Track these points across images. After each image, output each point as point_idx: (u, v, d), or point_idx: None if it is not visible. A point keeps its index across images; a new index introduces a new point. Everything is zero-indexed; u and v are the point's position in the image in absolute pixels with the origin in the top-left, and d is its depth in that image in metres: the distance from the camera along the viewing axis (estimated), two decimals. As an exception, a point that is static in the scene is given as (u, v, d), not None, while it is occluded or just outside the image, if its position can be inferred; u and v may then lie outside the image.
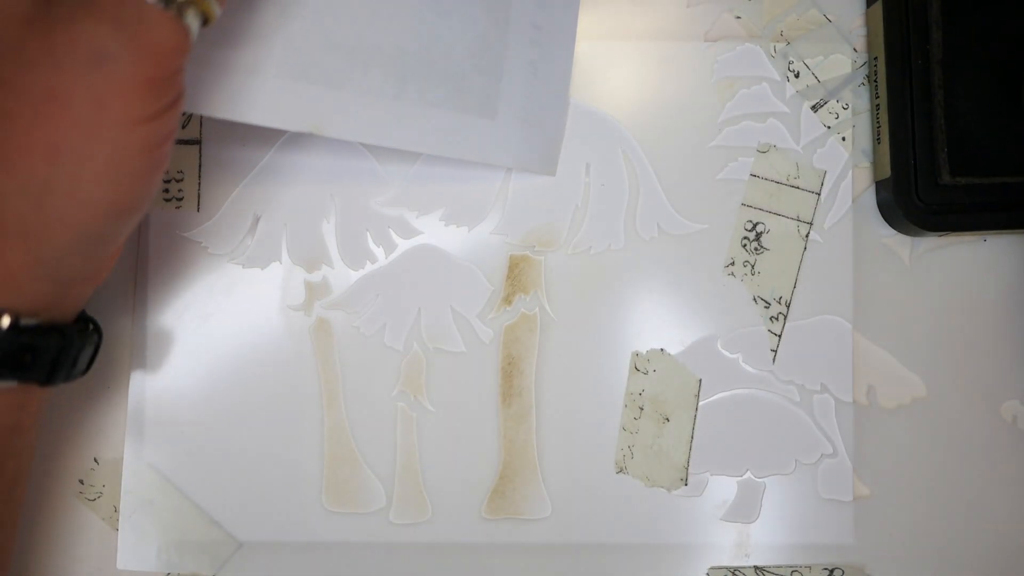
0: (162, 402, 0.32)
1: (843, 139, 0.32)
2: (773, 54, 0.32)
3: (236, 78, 0.27)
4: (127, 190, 0.23)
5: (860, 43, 0.33)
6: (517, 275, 0.32)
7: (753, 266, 0.32)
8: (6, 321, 0.23)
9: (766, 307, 0.32)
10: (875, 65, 0.32)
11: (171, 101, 0.23)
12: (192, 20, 0.22)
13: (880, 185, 0.32)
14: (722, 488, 0.32)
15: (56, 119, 0.21)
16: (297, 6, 0.28)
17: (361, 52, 0.29)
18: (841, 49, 0.32)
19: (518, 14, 0.31)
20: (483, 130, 0.30)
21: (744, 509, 0.32)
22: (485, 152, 0.31)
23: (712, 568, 0.32)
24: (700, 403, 0.32)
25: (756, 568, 0.32)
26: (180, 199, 0.32)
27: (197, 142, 0.32)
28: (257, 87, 0.27)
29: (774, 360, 0.32)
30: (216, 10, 0.24)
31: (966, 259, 0.32)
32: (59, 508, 0.32)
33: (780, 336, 0.32)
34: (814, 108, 0.32)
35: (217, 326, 0.32)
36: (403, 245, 0.32)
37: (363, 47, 0.29)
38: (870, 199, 0.32)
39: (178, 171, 0.32)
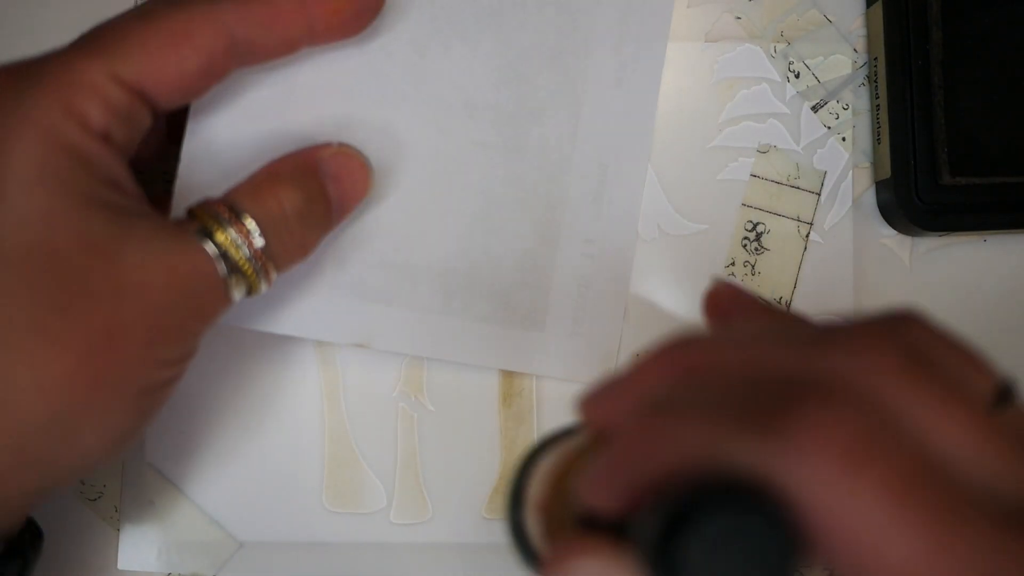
0: (163, 402, 0.32)
1: (843, 139, 0.32)
2: (773, 55, 0.32)
3: (286, 293, 0.29)
4: (134, 428, 0.23)
5: (860, 43, 0.33)
6: (517, 275, 0.32)
7: (754, 266, 0.32)
8: None
9: (766, 307, 0.32)
10: (875, 65, 0.32)
11: (194, 349, 0.25)
12: (238, 293, 0.24)
13: (880, 185, 0.32)
14: (722, 488, 0.32)
15: (106, 355, 0.21)
16: (348, 226, 0.29)
17: (409, 269, 0.30)
18: (841, 49, 0.32)
19: (569, 229, 0.31)
20: (531, 342, 0.31)
21: (744, 509, 0.32)
22: (532, 363, 0.31)
23: (712, 568, 0.31)
24: (700, 403, 0.32)
25: (756, 568, 0.32)
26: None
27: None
28: (308, 302, 0.29)
29: (774, 360, 0.32)
30: (263, 288, 0.25)
31: (967, 259, 0.32)
32: (59, 508, 0.32)
33: (780, 336, 0.32)
34: (814, 109, 0.32)
35: (217, 325, 0.32)
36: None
37: (411, 264, 0.30)
38: (870, 199, 0.32)
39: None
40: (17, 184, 0.21)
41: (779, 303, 0.32)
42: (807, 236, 0.32)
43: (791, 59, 0.32)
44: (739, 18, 0.32)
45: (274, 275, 0.25)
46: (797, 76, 0.32)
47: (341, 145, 0.27)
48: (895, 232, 0.32)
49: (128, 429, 0.23)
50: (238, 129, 0.28)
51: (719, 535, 0.12)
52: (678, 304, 0.32)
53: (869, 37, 0.32)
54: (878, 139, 0.32)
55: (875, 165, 0.32)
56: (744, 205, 0.32)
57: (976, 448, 0.14)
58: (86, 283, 0.21)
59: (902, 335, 0.15)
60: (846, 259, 0.32)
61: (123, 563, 0.31)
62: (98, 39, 0.22)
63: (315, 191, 0.26)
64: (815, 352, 0.15)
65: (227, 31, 0.23)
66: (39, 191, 0.21)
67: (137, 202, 0.23)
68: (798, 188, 0.32)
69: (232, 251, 0.23)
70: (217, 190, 0.25)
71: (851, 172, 0.32)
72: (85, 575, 0.32)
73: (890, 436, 0.13)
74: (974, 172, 0.31)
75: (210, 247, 0.23)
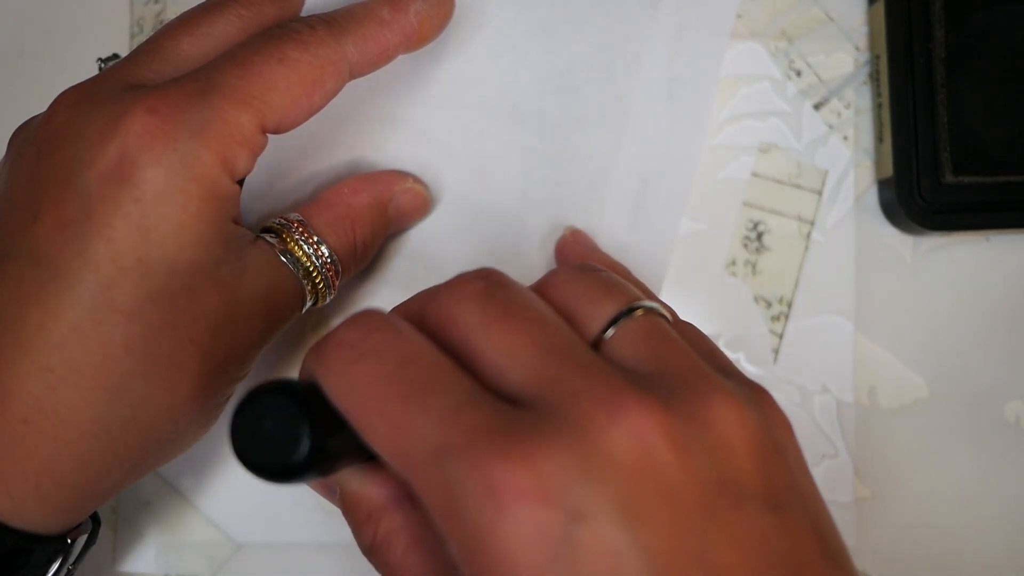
0: (160, 402, 0.31)
1: (845, 138, 0.32)
2: (774, 53, 0.32)
3: None
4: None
5: (862, 41, 0.32)
6: (517, 275, 0.32)
7: (755, 266, 0.32)
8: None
9: (767, 307, 0.32)
10: (877, 64, 0.32)
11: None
12: (307, 306, 0.27)
13: (882, 184, 0.32)
14: (723, 489, 0.31)
15: (218, 378, 0.24)
16: None
17: (436, 261, 0.31)
18: (843, 47, 0.32)
19: (604, 237, 0.31)
20: None
21: (745, 510, 0.31)
22: None
23: (713, 570, 0.31)
24: (701, 404, 0.31)
25: (757, 570, 0.31)
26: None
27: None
28: None
29: (775, 360, 0.32)
30: (328, 301, 0.28)
31: (969, 258, 0.32)
32: (56, 509, 0.32)
33: (781, 336, 0.32)
34: (816, 107, 0.32)
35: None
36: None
37: (439, 256, 0.31)
38: (872, 198, 0.32)
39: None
40: (174, 235, 0.22)
41: (780, 302, 0.32)
42: (808, 235, 0.32)
43: (792, 57, 0.32)
44: (740, 16, 0.32)
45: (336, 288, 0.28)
46: (799, 74, 0.32)
47: (415, 181, 0.30)
48: (897, 231, 0.32)
49: (204, 435, 0.26)
50: None
51: (260, 408, 0.17)
52: (679, 303, 0.32)
53: (871, 35, 0.32)
54: (880, 138, 0.32)
55: (877, 164, 0.32)
56: (745, 204, 0.32)
57: (500, 355, 0.18)
58: (214, 319, 0.23)
59: (492, 275, 0.19)
60: (848, 258, 0.32)
61: (120, 564, 0.31)
62: (247, 86, 0.23)
63: (384, 222, 0.29)
64: (437, 291, 0.19)
65: (348, 70, 0.25)
66: (190, 240, 0.23)
67: (243, 229, 0.25)
68: (799, 187, 0.32)
69: (316, 277, 0.26)
70: (262, 177, 0.29)
71: (853, 171, 0.32)
72: (82, 575, 0.31)
73: (381, 346, 0.18)
74: (977, 171, 0.30)
75: (297, 273, 0.26)
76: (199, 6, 0.26)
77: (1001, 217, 0.31)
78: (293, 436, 0.17)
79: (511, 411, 0.17)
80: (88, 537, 0.26)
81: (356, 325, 0.18)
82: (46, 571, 0.24)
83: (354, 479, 0.20)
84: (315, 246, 0.27)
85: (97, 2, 0.33)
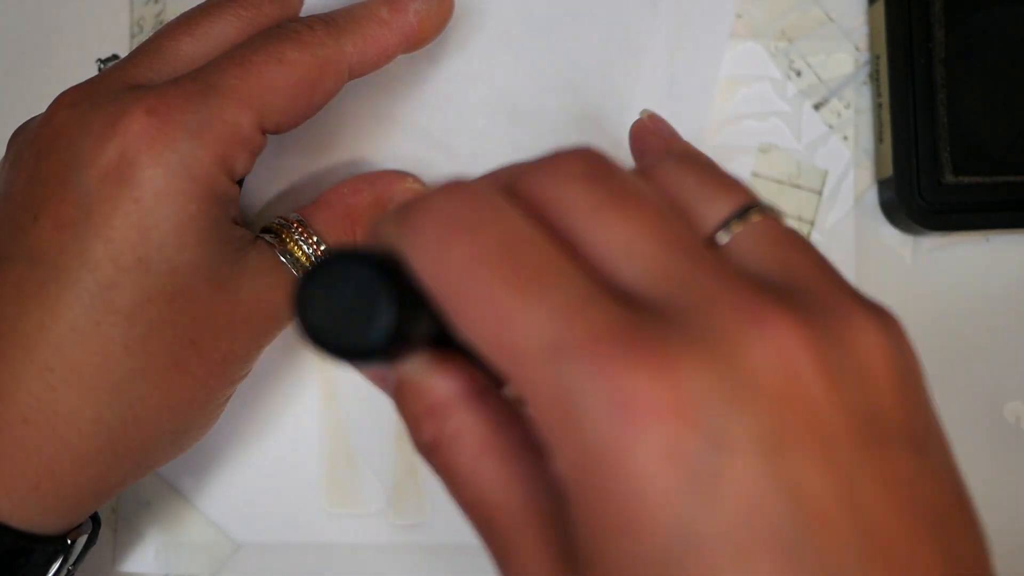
0: (160, 402, 0.31)
1: (845, 138, 0.32)
2: (774, 53, 0.32)
3: None
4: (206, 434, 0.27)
5: (862, 41, 0.32)
6: (517, 275, 0.32)
7: (754, 266, 0.32)
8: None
9: (767, 307, 0.32)
10: (877, 64, 0.32)
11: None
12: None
13: (882, 184, 0.32)
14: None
15: (218, 378, 0.25)
16: None
17: None
18: (843, 48, 0.32)
19: None
20: None
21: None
22: None
23: (713, 570, 0.31)
24: (701, 404, 0.31)
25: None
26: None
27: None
28: None
29: (775, 360, 0.32)
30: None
31: (969, 258, 0.32)
32: (57, 509, 0.32)
33: (781, 336, 0.32)
34: (816, 107, 0.32)
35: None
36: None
37: None
38: (872, 199, 0.32)
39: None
40: (173, 236, 0.22)
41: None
42: (808, 235, 0.32)
43: (792, 57, 0.32)
44: (740, 16, 0.32)
45: None
46: (799, 74, 0.32)
47: (415, 181, 0.30)
48: (897, 231, 0.32)
49: (203, 435, 0.26)
50: None
51: (335, 276, 0.15)
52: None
53: (871, 35, 0.32)
54: (880, 138, 0.32)
55: (877, 164, 0.32)
56: (745, 204, 0.32)
57: (615, 246, 0.15)
58: (213, 319, 0.24)
59: (595, 155, 0.17)
60: (848, 258, 0.32)
61: (120, 564, 0.31)
62: (246, 87, 0.23)
63: None
64: (531, 167, 0.17)
65: (348, 70, 0.25)
66: (189, 240, 0.23)
67: (243, 229, 0.25)
68: (799, 187, 0.32)
69: None
70: (262, 177, 0.29)
71: (853, 171, 0.32)
72: (82, 575, 0.31)
73: (483, 222, 0.15)
74: (977, 171, 0.30)
75: (296, 272, 0.26)
76: (199, 6, 0.26)
77: (1001, 217, 0.31)
78: (371, 313, 0.15)
79: (636, 313, 0.14)
80: (88, 537, 0.26)
81: (450, 194, 0.15)
82: (46, 571, 0.24)
83: (417, 367, 0.17)
84: (315, 246, 0.27)
85: (97, 2, 0.33)
